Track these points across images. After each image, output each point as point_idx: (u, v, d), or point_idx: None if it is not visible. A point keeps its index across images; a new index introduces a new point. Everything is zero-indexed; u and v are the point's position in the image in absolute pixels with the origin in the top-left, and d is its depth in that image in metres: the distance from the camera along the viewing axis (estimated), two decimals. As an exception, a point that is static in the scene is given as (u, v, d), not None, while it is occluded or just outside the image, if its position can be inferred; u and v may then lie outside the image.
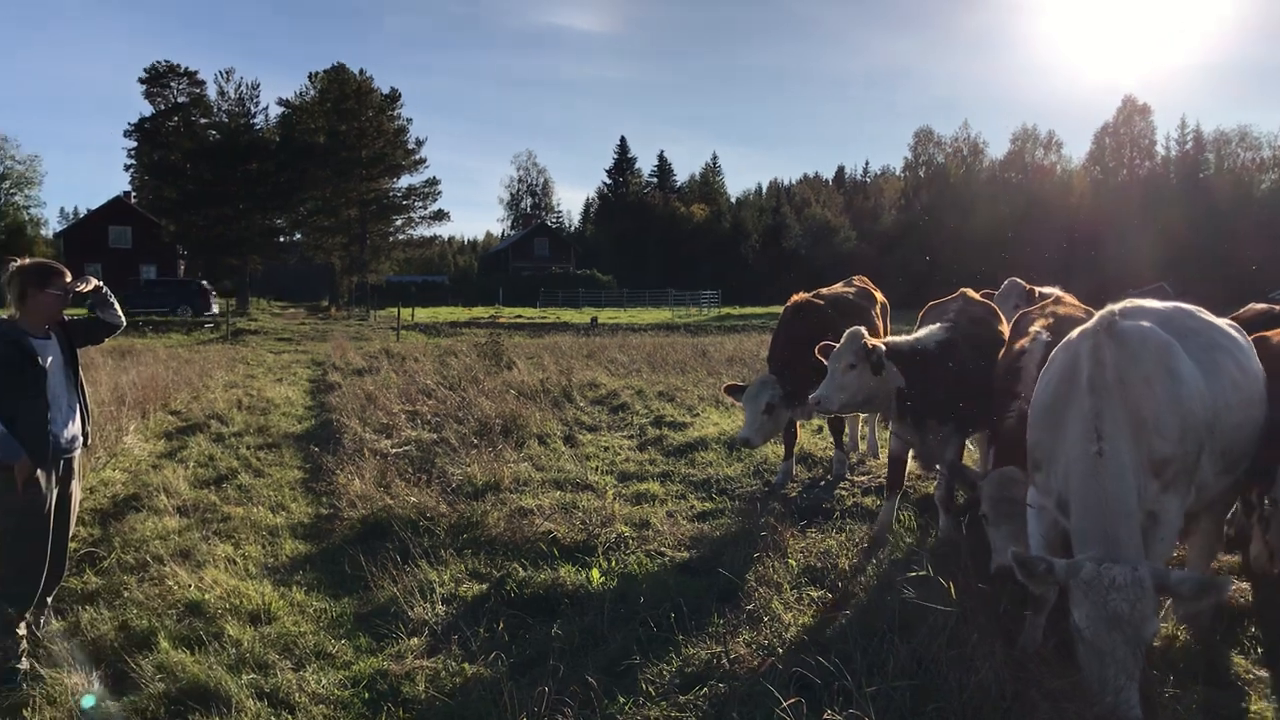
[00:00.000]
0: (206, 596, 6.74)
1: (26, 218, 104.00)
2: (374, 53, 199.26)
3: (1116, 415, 5.04)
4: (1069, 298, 8.07)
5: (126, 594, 7.03)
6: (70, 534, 6.51)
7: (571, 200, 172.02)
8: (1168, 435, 5.09)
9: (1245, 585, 6.71)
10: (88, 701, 5.20)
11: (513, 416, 13.31)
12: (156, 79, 72.23)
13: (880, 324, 10.52)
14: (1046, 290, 8.24)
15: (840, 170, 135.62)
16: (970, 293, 9.07)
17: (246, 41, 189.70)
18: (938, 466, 7.84)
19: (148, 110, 73.10)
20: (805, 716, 4.28)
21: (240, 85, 71.91)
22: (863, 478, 10.03)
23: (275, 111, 74.61)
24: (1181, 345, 5.44)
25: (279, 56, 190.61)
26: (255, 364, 26.35)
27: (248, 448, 12.93)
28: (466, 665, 5.71)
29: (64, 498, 6.19)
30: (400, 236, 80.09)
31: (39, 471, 5.88)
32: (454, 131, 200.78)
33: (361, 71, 75.40)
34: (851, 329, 7.52)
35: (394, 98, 76.88)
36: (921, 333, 8.11)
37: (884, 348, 7.61)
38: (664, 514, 8.86)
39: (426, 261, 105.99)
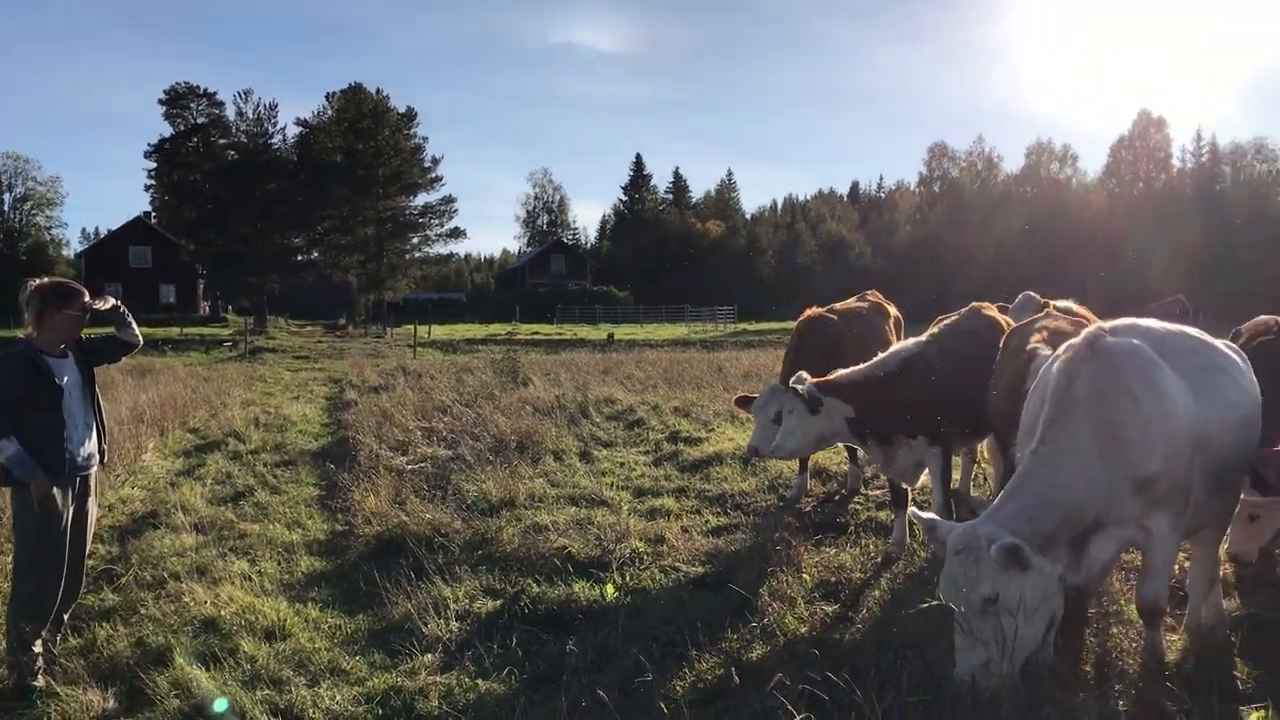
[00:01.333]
0: (222, 613, 6.77)
1: (48, 238, 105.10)
2: (390, 71, 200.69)
3: (1073, 428, 5.16)
4: (1080, 309, 8.05)
5: (143, 611, 7.06)
6: (87, 551, 6.56)
7: (587, 217, 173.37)
8: (1153, 451, 5.13)
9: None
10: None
11: (528, 433, 13.33)
12: (176, 100, 72.95)
13: (892, 337, 10.51)
14: (1060, 304, 8.21)
15: (854, 185, 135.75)
16: (982, 306, 9.05)
17: (264, 61, 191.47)
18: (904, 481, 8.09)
19: (168, 131, 73.81)
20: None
21: (258, 105, 72.70)
22: (877, 491, 10.00)
23: (293, 131, 75.16)
24: (1176, 365, 5.45)
25: (296, 77, 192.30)
26: (273, 382, 26.51)
27: (264, 465, 13.01)
28: (480, 681, 5.71)
29: (80, 515, 6.23)
30: (417, 254, 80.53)
31: (55, 489, 5.93)
32: (470, 149, 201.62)
33: (378, 91, 76.03)
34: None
35: (410, 116, 77.40)
36: (882, 356, 8.13)
37: (814, 387, 7.72)
38: (678, 529, 8.83)
39: (443, 279, 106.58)
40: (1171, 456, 5.20)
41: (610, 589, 6.97)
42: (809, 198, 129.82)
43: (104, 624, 6.69)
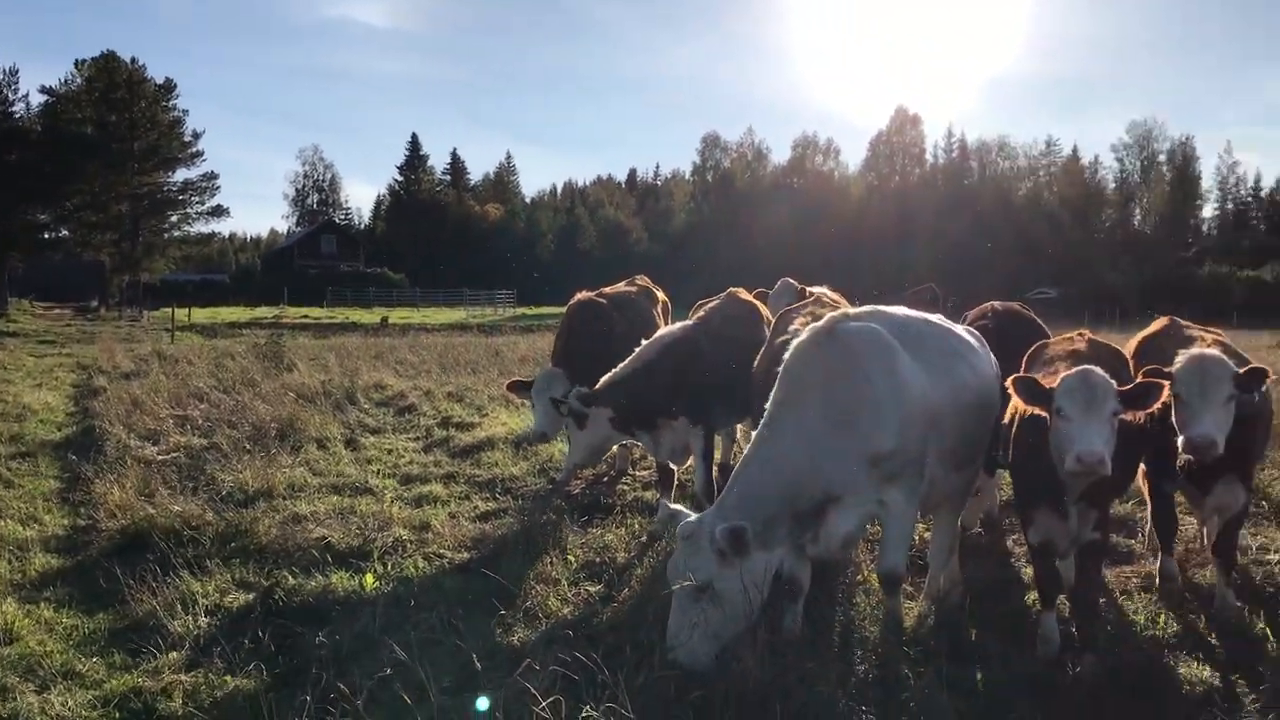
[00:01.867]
0: (-62, 617, 6.20)
1: None
2: (148, 40, 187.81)
3: (804, 406, 5.46)
4: (833, 295, 8.42)
5: None
6: None
7: (361, 197, 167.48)
8: (886, 429, 5.44)
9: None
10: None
11: (290, 420, 12.83)
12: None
13: (662, 322, 10.69)
14: (814, 289, 8.58)
15: (632, 173, 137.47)
16: (738, 292, 9.33)
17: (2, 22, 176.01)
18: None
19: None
20: (567, 713, 4.27)
21: (-5, 70, 66.60)
22: (645, 472, 10.16)
23: (37, 100, 69.34)
24: (912, 349, 5.80)
25: (40, 41, 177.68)
26: (13, 368, 24.43)
27: (7, 454, 12.03)
28: (228, 679, 5.45)
29: None
30: (176, 233, 75.96)
31: None
32: (237, 126, 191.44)
33: (134, 60, 71.26)
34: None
35: (169, 88, 72.87)
36: (642, 347, 8.28)
37: (577, 401, 7.97)
38: (445, 516, 8.73)
39: (206, 259, 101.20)
40: (905, 434, 5.51)
41: (369, 578, 6.80)
42: (588, 183, 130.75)
43: None
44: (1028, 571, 7.07)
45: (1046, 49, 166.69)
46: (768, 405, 5.55)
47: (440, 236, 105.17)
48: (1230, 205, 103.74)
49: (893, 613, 5.76)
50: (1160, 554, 6.90)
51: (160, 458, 11.28)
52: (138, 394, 15.37)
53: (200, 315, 54.59)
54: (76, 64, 71.02)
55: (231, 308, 68.76)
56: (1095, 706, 4.92)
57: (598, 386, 8.00)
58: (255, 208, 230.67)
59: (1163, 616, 6.11)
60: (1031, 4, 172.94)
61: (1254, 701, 4.90)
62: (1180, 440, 5.63)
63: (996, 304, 8.72)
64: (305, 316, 59.02)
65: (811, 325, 5.90)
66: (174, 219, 74.65)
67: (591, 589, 6.69)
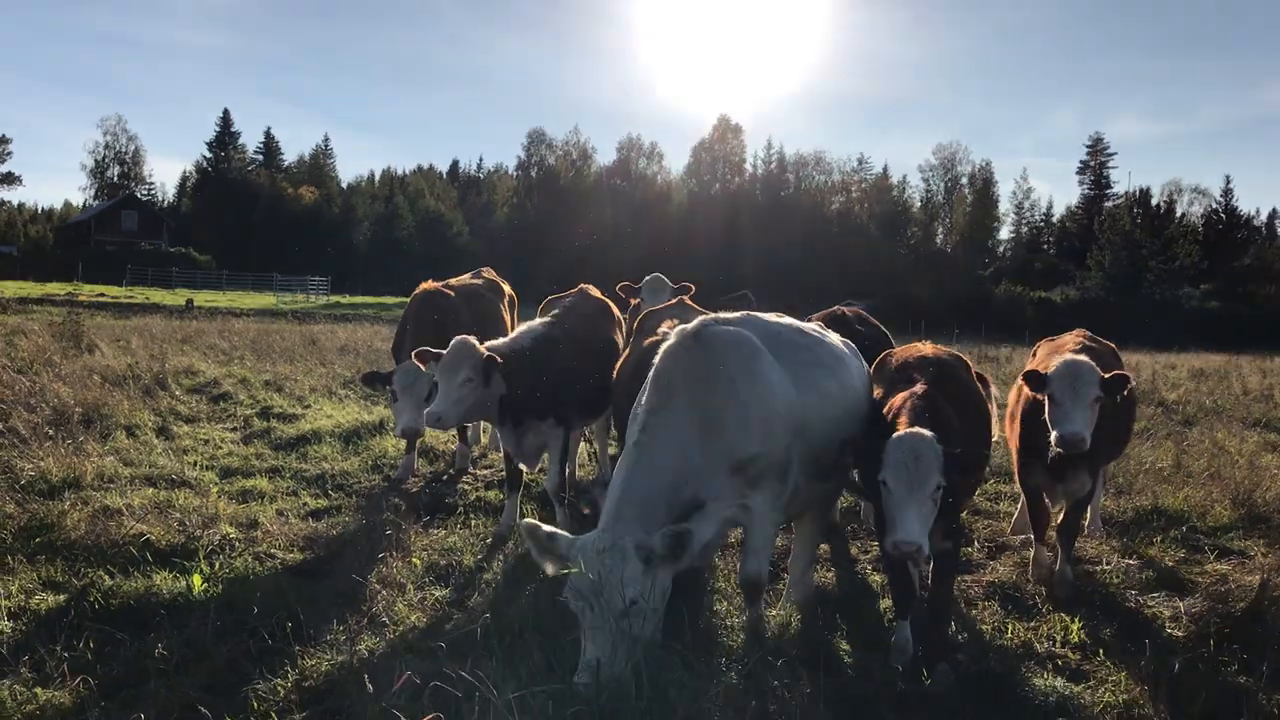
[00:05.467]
0: None
1: None
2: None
3: (673, 412, 5.36)
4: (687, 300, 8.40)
5: None
6: None
7: (166, 172, 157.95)
8: (751, 434, 5.42)
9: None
10: None
11: (96, 405, 11.90)
12: None
13: (508, 316, 10.44)
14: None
15: (455, 164, 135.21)
16: (589, 289, 9.18)
17: None
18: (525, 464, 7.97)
19: None
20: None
21: None
22: (486, 471, 9.86)
23: None
24: (781, 356, 5.78)
25: None
26: None
27: None
28: (40, 690, 4.91)
29: None
30: (-44, 199, 70.37)
31: None
32: (28, 90, 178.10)
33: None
34: (459, 338, 7.23)
35: (-48, 41, 67.38)
36: (516, 333, 8.06)
37: (496, 358, 7.38)
38: (274, 513, 8.23)
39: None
40: (769, 440, 5.48)
41: (197, 580, 6.28)
42: (408, 172, 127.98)
43: None
44: (875, 580, 7.22)
45: (863, 69, 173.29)
46: (640, 410, 5.41)
47: (250, 218, 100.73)
48: (1024, 229, 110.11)
49: (755, 621, 5.72)
50: (1034, 542, 7.33)
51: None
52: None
53: (-18, 289, 50.62)
54: None
55: (20, 282, 64.08)
56: (950, 716, 5.00)
57: (500, 349, 7.50)
58: (49, 178, 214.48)
59: (1011, 625, 6.28)
60: (849, 25, 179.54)
61: (1103, 711, 5.06)
62: (1054, 435, 6.21)
63: (845, 309, 8.88)
64: (102, 295, 55.51)
65: (679, 328, 5.80)
66: (-45, 183, 69.11)
67: (439, 593, 6.41)
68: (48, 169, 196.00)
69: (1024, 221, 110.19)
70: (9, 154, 68.91)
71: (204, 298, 59.05)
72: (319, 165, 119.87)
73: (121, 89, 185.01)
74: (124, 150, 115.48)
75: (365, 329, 30.32)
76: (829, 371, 6.09)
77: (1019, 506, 8.72)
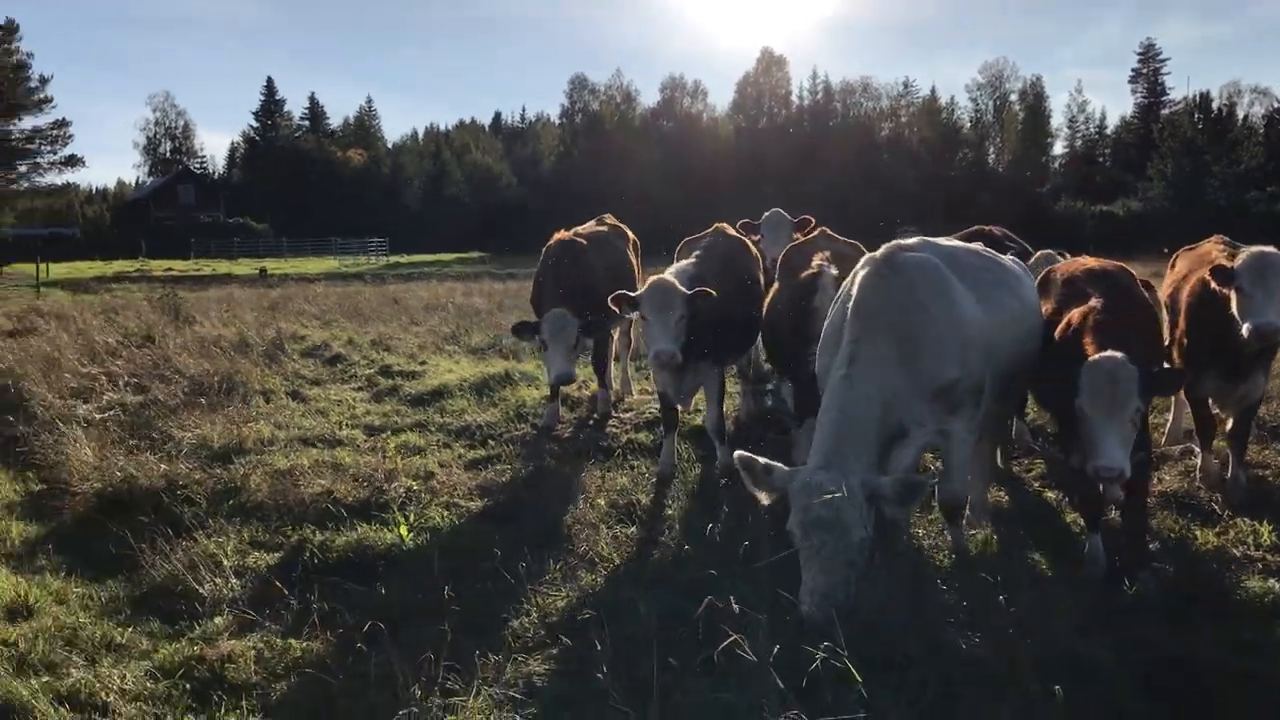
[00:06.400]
0: (-55, 594, 5.74)
1: None
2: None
3: (877, 343, 5.37)
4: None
5: None
6: None
7: (215, 145, 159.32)
8: (950, 358, 5.46)
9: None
10: None
11: (229, 373, 12.22)
12: None
13: (635, 261, 10.54)
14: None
15: (497, 116, 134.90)
16: (725, 227, 9.24)
17: None
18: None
19: None
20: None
21: None
22: (628, 414, 10.02)
23: None
24: (965, 279, 5.82)
25: None
26: None
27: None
28: (293, 641, 5.17)
29: None
30: (25, 184, 71.38)
31: None
32: (76, 72, 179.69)
33: (-34, -2, 66.39)
34: (658, 279, 7.30)
35: (10, 29, 68.09)
36: (674, 270, 8.11)
37: (709, 290, 7.32)
38: (435, 464, 8.46)
39: (53, 214, 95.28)
40: (966, 363, 5.54)
41: (404, 530, 6.52)
42: (451, 128, 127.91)
43: None
44: (1049, 496, 7.31)
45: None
46: (844, 343, 5.45)
47: (302, 184, 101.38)
48: (1080, 143, 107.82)
49: (959, 541, 5.84)
50: (1201, 452, 7.41)
51: (99, 416, 10.65)
52: (47, 350, 14.47)
53: (57, 270, 51.73)
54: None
55: (89, 262, 65.24)
56: (1166, 619, 5.06)
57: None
58: (100, 160, 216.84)
59: (1198, 532, 6.33)
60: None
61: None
62: (1246, 328, 6.23)
63: (992, 227, 8.89)
64: (170, 269, 56.49)
65: (870, 258, 5.84)
66: (23, 169, 70.14)
67: (629, 531, 6.60)
68: (99, 150, 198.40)
69: (1078, 135, 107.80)
70: (70, 137, 69.57)
71: (269, 265, 59.81)
72: (364, 127, 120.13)
73: (165, 67, 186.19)
74: (174, 126, 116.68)
75: (442, 286, 30.60)
76: (1010, 291, 6.13)
77: (1169, 417, 8.74)
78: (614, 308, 7.42)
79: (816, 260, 7.10)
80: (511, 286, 31.13)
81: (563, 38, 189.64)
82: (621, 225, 10.78)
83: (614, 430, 9.38)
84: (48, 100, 69.77)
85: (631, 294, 7.34)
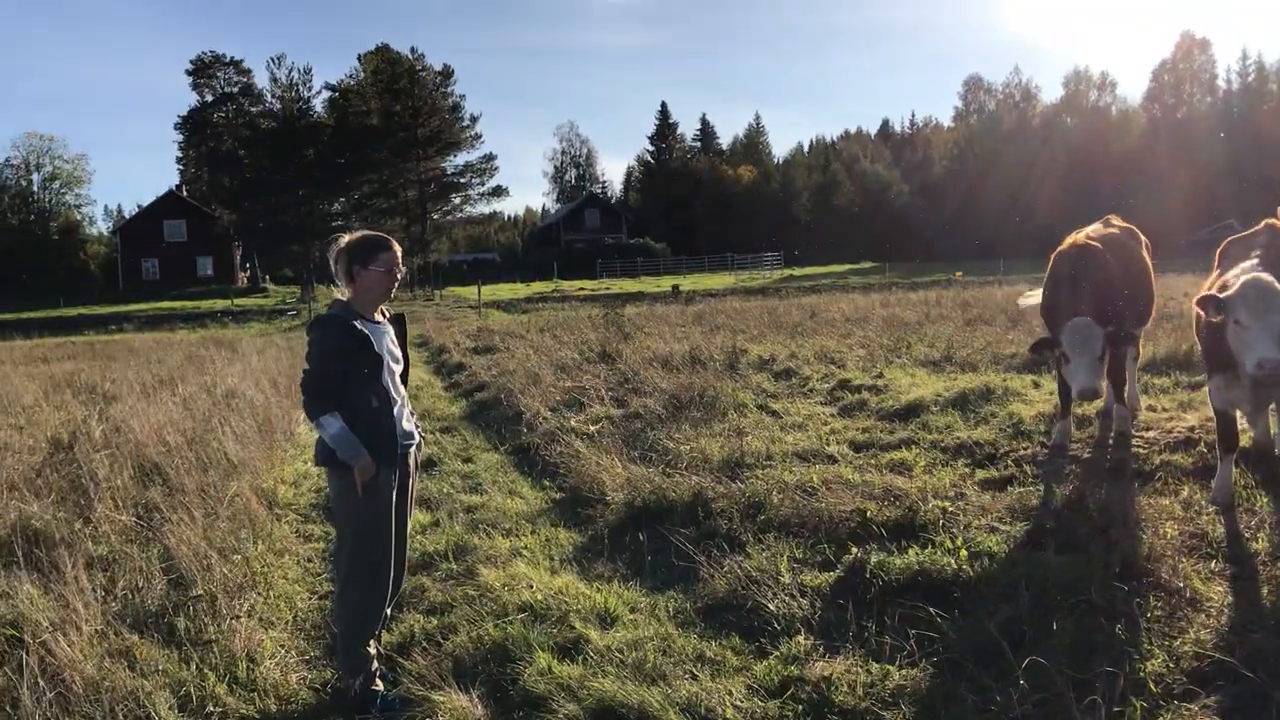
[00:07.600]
0: (538, 596, 6.12)
1: (78, 216, 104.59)
2: (391, 34, 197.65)
3: None
4: None
5: (430, 596, 6.49)
6: (408, 537, 5.91)
7: (613, 170, 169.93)
8: None
9: None
10: None
11: (701, 388, 12.55)
12: (202, 70, 72.11)
13: (1149, 261, 9.71)
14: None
15: (885, 123, 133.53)
16: (1277, 224, 8.19)
17: (274, 27, 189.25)
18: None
19: (195, 102, 72.95)
20: None
21: (291, 71, 71.62)
22: (1150, 433, 9.15)
23: (322, 96, 73.98)
24: None
25: (299, 42, 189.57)
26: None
27: (429, 432, 12.35)
28: (890, 668, 5.00)
29: (403, 499, 5.55)
30: (459, 214, 79.51)
31: (380, 470, 5.23)
32: (486, 109, 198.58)
33: (413, 50, 74.77)
34: (1253, 277, 6.52)
35: (447, 74, 76.11)
36: (1235, 274, 7.21)
37: None
38: (948, 484, 8.08)
39: (475, 240, 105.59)
40: None
41: (964, 554, 6.20)
42: (836, 138, 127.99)
43: (417, 615, 6.07)
44: None
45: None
46: None
47: (694, 202, 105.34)
48: None
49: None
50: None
51: (591, 428, 11.27)
52: (528, 366, 15.67)
53: (484, 293, 56.89)
54: (360, 58, 75.30)
55: (509, 284, 71.38)
56: None
57: None
58: (512, 188, 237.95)
59: None
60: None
61: None
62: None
63: None
64: (582, 289, 60.45)
65: None
66: (457, 201, 78.10)
67: (1215, 567, 5.90)
68: (509, 180, 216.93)
69: None
70: (496, 169, 76.70)
71: (671, 282, 62.44)
72: (753, 143, 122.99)
73: (566, 99, 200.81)
74: (579, 154, 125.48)
75: (863, 298, 30.38)
76: None
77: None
78: (1199, 311, 6.71)
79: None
80: (929, 296, 30.35)
81: (954, 37, 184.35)
82: (1131, 225, 9.93)
83: (1140, 451, 8.56)
84: (478, 137, 77.17)
85: (1220, 295, 6.56)
